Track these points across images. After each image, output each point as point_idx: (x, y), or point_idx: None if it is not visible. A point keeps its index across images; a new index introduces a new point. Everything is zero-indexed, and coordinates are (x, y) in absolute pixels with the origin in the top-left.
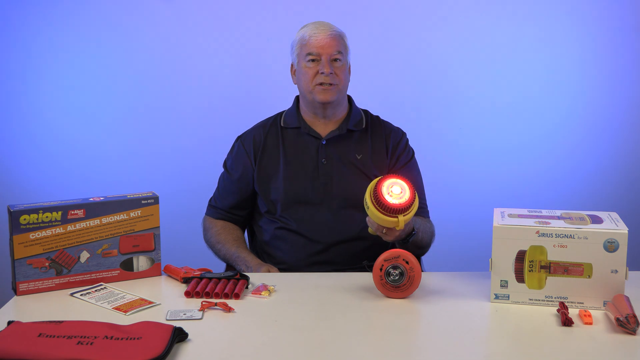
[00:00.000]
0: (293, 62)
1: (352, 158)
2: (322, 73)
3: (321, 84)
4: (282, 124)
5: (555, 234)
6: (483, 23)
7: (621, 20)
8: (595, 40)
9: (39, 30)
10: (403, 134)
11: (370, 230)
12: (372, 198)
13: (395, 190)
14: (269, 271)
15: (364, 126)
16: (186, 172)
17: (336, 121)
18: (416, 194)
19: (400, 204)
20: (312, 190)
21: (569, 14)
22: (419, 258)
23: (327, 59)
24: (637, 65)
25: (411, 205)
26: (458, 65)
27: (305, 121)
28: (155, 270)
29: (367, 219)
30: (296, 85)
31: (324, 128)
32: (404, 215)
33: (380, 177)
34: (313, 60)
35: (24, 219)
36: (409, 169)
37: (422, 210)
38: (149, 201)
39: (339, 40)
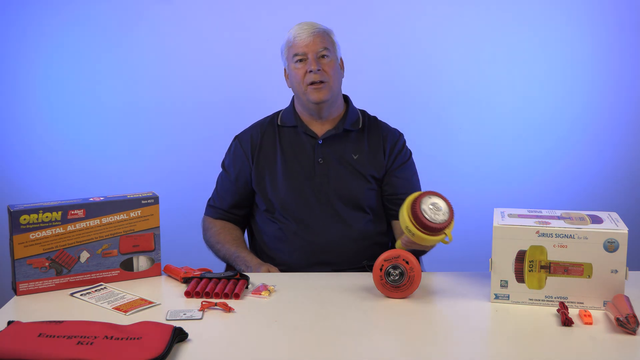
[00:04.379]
0: (285, 67)
1: (349, 158)
2: (310, 71)
3: (312, 83)
4: (279, 123)
5: (555, 234)
6: (483, 23)
7: (622, 21)
8: (595, 41)
9: (41, 32)
10: (400, 135)
11: (399, 244)
12: (415, 224)
13: (434, 208)
14: (269, 271)
15: (360, 126)
16: (186, 172)
17: (332, 120)
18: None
19: (447, 219)
20: (309, 189)
21: (570, 14)
22: (419, 258)
23: (313, 57)
24: (638, 65)
25: (453, 212)
26: (458, 65)
27: (302, 120)
28: (155, 270)
29: (402, 241)
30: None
31: (320, 127)
32: (450, 228)
33: (409, 203)
34: (301, 61)
35: (24, 219)
36: (405, 170)
37: None
38: (149, 201)
39: (323, 37)
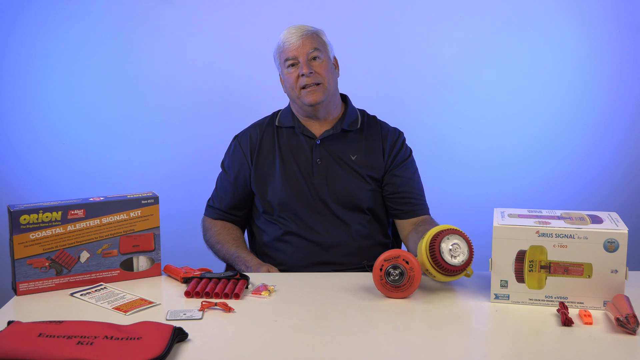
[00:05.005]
0: (279, 73)
1: (347, 158)
2: (302, 75)
3: (305, 86)
4: (277, 123)
5: (555, 234)
6: (483, 23)
7: (623, 21)
8: (595, 41)
9: (40, 32)
10: (400, 133)
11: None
12: (436, 268)
13: (453, 250)
14: (269, 271)
15: (358, 126)
16: (186, 172)
17: (331, 121)
18: (469, 240)
19: (468, 257)
20: (308, 190)
21: (569, 14)
22: None
23: (304, 60)
24: (638, 65)
25: (472, 248)
26: (458, 65)
27: (300, 121)
28: (155, 270)
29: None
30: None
31: (318, 128)
32: (470, 264)
33: (427, 246)
34: (293, 65)
35: (24, 219)
36: (406, 168)
37: (423, 209)
38: (148, 201)
39: (313, 38)
